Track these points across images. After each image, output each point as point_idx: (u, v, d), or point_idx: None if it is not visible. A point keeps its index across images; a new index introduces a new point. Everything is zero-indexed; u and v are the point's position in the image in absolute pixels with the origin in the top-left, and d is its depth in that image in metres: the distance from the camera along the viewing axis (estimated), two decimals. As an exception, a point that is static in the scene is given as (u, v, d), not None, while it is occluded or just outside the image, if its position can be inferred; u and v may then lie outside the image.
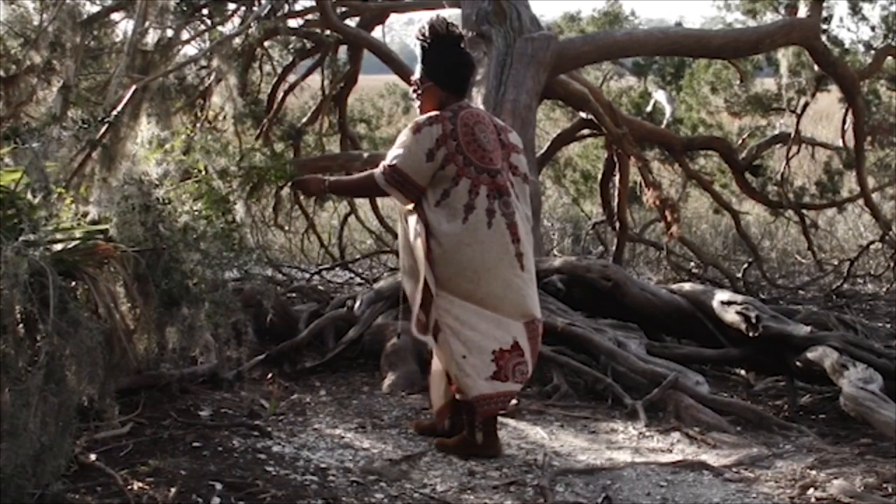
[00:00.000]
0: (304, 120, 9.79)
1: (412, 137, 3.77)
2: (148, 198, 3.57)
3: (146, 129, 3.97)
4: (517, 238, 3.79)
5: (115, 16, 6.88)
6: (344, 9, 8.44)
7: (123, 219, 3.43)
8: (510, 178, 3.86)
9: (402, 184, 3.76)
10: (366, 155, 7.90)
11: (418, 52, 3.96)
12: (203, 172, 3.95)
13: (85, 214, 3.56)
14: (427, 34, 3.90)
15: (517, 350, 3.79)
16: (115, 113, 3.99)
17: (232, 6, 7.76)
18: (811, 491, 3.56)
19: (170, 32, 5.72)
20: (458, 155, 3.74)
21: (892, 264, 9.30)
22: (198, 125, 7.16)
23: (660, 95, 10.24)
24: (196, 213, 3.73)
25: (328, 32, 8.48)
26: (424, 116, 3.83)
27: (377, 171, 3.83)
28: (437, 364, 3.99)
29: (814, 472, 3.73)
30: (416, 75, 3.96)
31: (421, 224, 3.77)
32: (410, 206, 3.83)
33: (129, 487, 3.15)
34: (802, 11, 7.55)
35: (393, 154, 3.80)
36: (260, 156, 4.28)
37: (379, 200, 9.65)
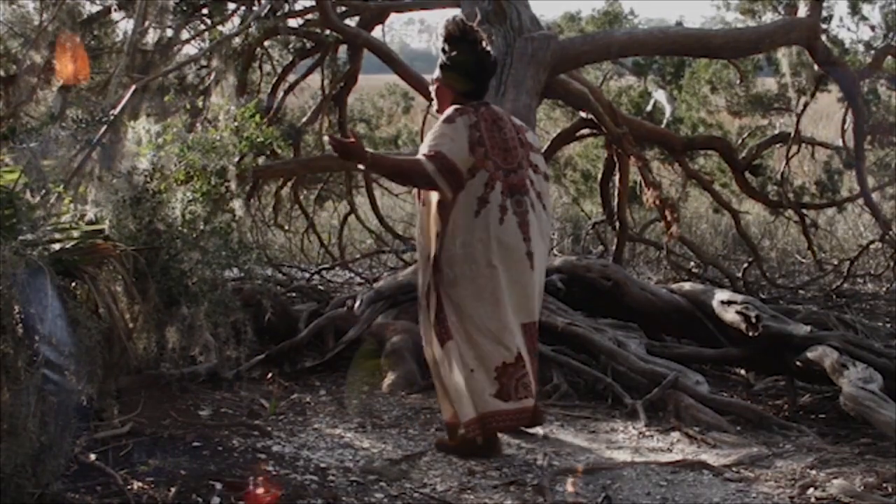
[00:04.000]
0: (304, 120, 9.77)
1: (449, 127, 3.74)
2: (138, 191, 3.57)
3: (141, 125, 3.97)
4: (528, 237, 3.79)
5: (115, 16, 6.88)
6: (344, 9, 8.42)
7: (117, 214, 3.43)
8: (531, 176, 3.86)
9: (451, 173, 3.69)
10: (366, 155, 7.88)
11: (436, 52, 3.96)
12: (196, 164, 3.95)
13: (83, 215, 3.56)
14: (443, 35, 3.90)
15: (520, 361, 3.77)
16: (113, 113, 3.98)
17: (232, 6, 7.76)
18: (811, 490, 3.56)
19: (170, 32, 5.73)
20: (480, 147, 3.74)
21: (892, 264, 9.27)
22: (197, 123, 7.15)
23: (660, 95, 10.21)
24: (189, 199, 3.72)
25: (328, 32, 8.46)
26: (452, 108, 3.82)
27: (424, 160, 3.68)
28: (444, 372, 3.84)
29: (814, 472, 3.73)
30: (434, 75, 3.96)
31: (439, 217, 3.75)
32: (435, 199, 3.77)
33: (129, 487, 3.15)
34: (802, 11, 7.53)
35: (433, 143, 3.71)
36: (254, 126, 4.29)
37: (379, 200, 9.64)
